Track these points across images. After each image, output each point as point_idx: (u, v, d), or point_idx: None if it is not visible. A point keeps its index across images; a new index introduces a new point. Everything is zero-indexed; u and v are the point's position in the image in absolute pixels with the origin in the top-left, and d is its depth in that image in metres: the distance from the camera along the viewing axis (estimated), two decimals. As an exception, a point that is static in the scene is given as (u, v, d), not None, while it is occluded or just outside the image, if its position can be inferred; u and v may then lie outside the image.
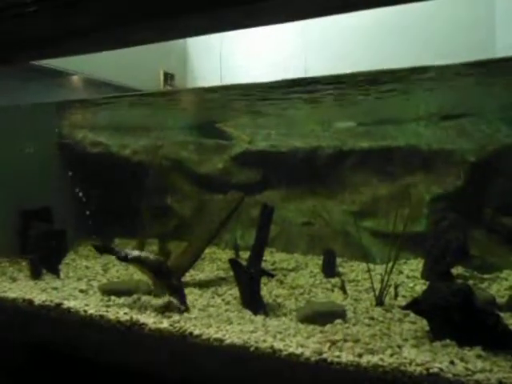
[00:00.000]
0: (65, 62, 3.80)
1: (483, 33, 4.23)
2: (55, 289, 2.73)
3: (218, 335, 1.95)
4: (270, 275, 2.59)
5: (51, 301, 2.42)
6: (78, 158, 4.24)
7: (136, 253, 2.44)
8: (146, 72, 4.92)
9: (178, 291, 2.33)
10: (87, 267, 3.36)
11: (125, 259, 2.40)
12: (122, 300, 2.47)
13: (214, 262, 3.47)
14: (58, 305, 2.39)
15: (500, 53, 4.01)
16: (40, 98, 3.88)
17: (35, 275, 3.02)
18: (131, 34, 2.51)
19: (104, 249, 2.55)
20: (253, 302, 2.33)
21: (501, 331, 1.77)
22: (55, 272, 3.07)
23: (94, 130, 4.45)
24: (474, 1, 4.32)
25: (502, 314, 1.99)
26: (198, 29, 2.47)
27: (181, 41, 5.59)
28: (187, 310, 2.28)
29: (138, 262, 2.43)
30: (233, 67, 5.46)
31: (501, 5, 4.20)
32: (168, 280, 2.38)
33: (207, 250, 3.51)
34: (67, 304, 2.38)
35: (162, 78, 5.23)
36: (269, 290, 2.69)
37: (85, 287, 2.76)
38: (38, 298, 2.49)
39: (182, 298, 2.32)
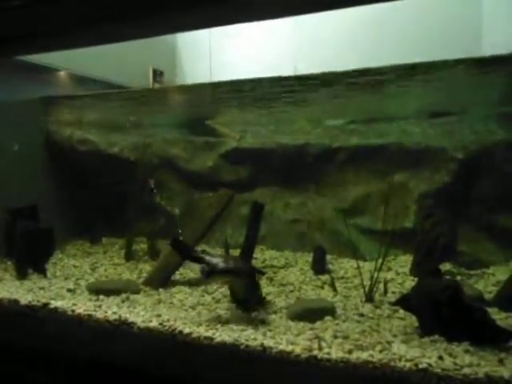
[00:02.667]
0: (52, 57, 3.74)
1: (470, 31, 4.28)
2: (42, 288, 2.69)
3: (208, 333, 1.94)
4: (260, 273, 2.58)
5: (38, 301, 2.39)
6: (65, 156, 4.18)
7: (222, 264, 2.09)
8: (134, 69, 4.87)
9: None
10: (75, 266, 3.31)
11: (210, 273, 2.07)
12: (110, 299, 2.45)
13: (204, 260, 3.45)
14: (45, 304, 2.35)
15: (486, 51, 4.07)
16: (26, 94, 3.82)
17: (21, 275, 2.96)
18: (119, 30, 2.49)
19: (194, 259, 2.21)
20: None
21: (488, 326, 1.79)
22: (42, 271, 3.02)
23: (81, 127, 4.39)
24: (462, 1, 4.36)
25: (489, 310, 2.03)
26: (187, 25, 2.45)
27: (170, 37, 5.55)
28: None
29: (230, 274, 2.15)
30: (222, 64, 5.43)
31: (488, 3, 4.26)
32: (258, 288, 2.20)
33: (197, 249, 3.49)
34: (54, 304, 2.34)
35: (151, 74, 5.18)
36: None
37: (72, 286, 2.72)
38: (25, 297, 2.44)
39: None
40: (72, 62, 4.00)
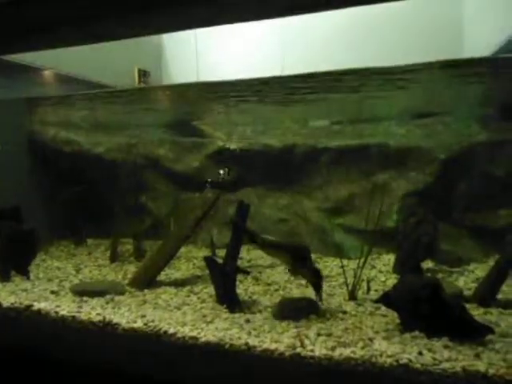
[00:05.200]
0: (36, 56, 3.70)
1: (451, 33, 4.38)
2: (25, 290, 2.66)
3: (193, 333, 1.95)
4: (246, 272, 2.60)
5: (20, 303, 2.36)
6: (49, 156, 4.13)
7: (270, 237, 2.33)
8: (120, 69, 4.84)
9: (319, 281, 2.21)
10: (58, 268, 3.28)
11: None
12: (94, 300, 2.43)
13: (190, 261, 3.45)
14: (28, 307, 2.33)
15: (467, 52, 4.16)
16: (9, 93, 3.76)
17: (3, 277, 2.92)
18: (103, 30, 2.47)
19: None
20: (228, 299, 2.33)
21: (466, 322, 1.83)
22: (24, 273, 2.98)
23: (66, 128, 4.34)
24: (443, 3, 4.46)
25: (468, 306, 2.08)
26: (172, 25, 2.45)
27: (156, 37, 5.53)
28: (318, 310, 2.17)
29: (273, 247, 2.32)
30: (209, 64, 5.44)
31: (468, 7, 4.36)
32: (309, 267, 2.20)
33: (183, 249, 3.49)
34: (37, 306, 2.32)
35: (136, 74, 5.16)
36: (244, 288, 2.70)
37: (56, 288, 2.69)
38: (7, 300, 2.42)
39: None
40: (57, 61, 3.96)
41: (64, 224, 4.00)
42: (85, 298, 2.47)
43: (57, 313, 2.24)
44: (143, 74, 5.21)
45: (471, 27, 4.25)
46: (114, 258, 3.50)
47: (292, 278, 2.90)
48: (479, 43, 3.96)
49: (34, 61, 3.82)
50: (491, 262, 2.77)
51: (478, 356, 1.64)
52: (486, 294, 2.30)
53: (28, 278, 2.96)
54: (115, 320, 2.11)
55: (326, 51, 4.83)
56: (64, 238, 4.12)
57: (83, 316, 2.18)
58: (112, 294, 2.53)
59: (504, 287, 2.35)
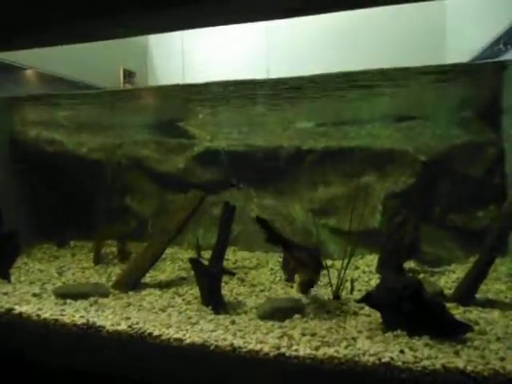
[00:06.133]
0: (18, 55, 3.64)
1: (434, 35, 4.49)
2: (5, 294, 2.61)
3: (178, 335, 1.94)
4: (231, 274, 2.61)
5: (1, 306, 2.32)
6: (31, 157, 4.06)
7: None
8: (104, 69, 4.80)
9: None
10: (41, 270, 3.22)
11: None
12: (78, 303, 2.41)
13: (176, 262, 3.44)
14: (9, 310, 2.29)
15: (450, 58, 4.27)
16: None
17: (-16, 280, 2.86)
18: (88, 30, 2.45)
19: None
20: (213, 300, 2.34)
21: (447, 321, 1.88)
22: (5, 276, 2.92)
23: (48, 128, 4.28)
24: (427, 10, 4.56)
25: (448, 305, 2.13)
26: (156, 27, 2.45)
27: (142, 38, 5.51)
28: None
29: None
30: (195, 65, 5.44)
31: (451, 14, 4.47)
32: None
33: (169, 250, 3.48)
34: (19, 309, 2.28)
35: (121, 75, 5.12)
36: (230, 289, 2.70)
37: (38, 291, 2.65)
38: (-13, 303, 2.37)
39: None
40: (40, 60, 3.91)
41: (47, 225, 3.94)
42: (68, 301, 2.44)
43: (39, 316, 2.21)
44: (128, 74, 5.17)
45: (454, 29, 4.36)
46: (97, 260, 3.46)
47: (277, 279, 2.92)
48: (461, 45, 4.07)
49: (17, 60, 3.76)
50: (471, 263, 2.84)
51: (457, 353, 1.69)
52: (466, 293, 2.36)
53: (9, 281, 2.91)
54: (99, 323, 2.09)
55: (311, 52, 4.90)
56: (47, 239, 4.05)
57: (66, 319, 2.15)
58: (96, 297, 2.50)
59: (483, 286, 2.41)
